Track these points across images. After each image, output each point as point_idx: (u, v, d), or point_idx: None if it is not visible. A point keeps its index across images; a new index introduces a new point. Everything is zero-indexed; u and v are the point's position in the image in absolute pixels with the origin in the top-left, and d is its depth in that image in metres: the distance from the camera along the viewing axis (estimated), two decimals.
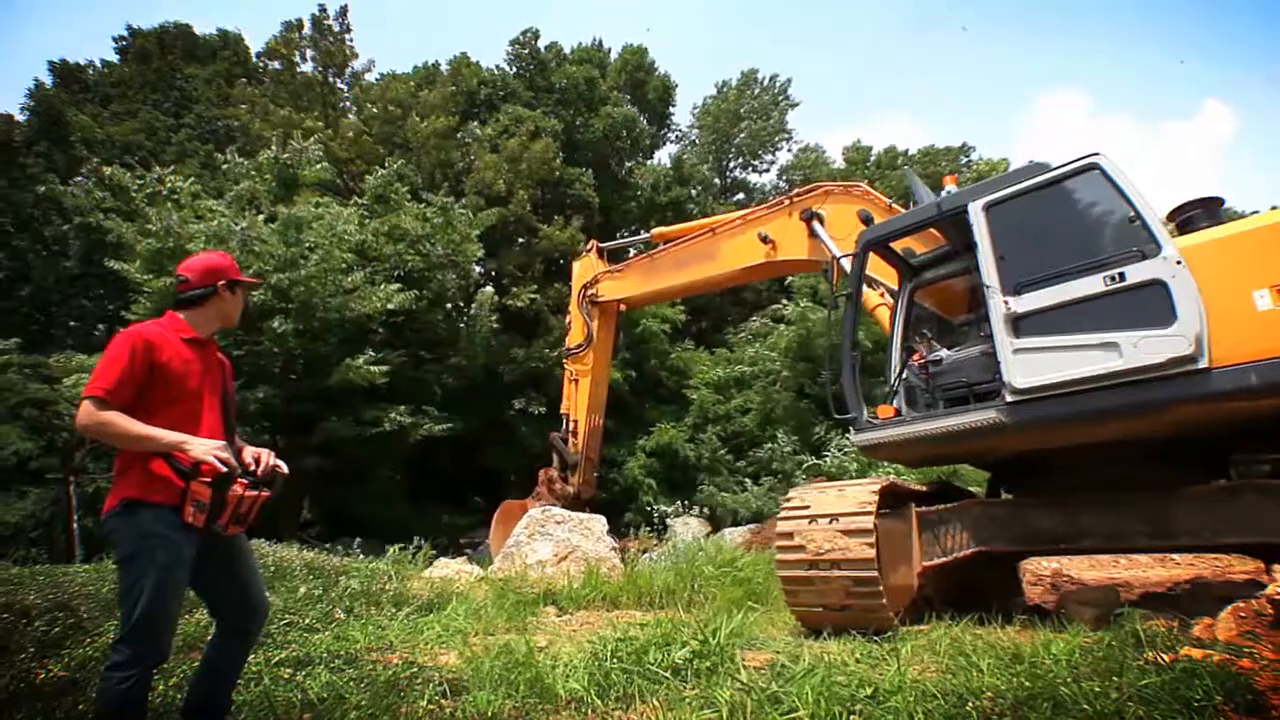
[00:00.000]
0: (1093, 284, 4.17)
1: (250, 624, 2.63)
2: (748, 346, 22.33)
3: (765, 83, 34.32)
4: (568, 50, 29.01)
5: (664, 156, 34.07)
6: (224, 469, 2.32)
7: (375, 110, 23.85)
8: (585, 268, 11.78)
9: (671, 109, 32.99)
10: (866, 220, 6.51)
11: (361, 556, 8.87)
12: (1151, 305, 3.93)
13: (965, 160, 30.23)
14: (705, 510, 14.39)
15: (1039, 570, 7.77)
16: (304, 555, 7.52)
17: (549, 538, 7.86)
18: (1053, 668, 2.86)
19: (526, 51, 27.55)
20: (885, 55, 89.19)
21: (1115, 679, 2.64)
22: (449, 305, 20.12)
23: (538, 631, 4.65)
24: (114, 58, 28.58)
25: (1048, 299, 4.34)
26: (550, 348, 20.45)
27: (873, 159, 32.42)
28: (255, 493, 2.45)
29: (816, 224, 8.16)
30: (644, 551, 8.74)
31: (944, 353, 5.18)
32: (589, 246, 12.18)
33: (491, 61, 28.43)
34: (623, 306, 11.94)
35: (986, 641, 3.52)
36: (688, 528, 13.30)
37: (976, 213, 4.77)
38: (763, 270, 9.87)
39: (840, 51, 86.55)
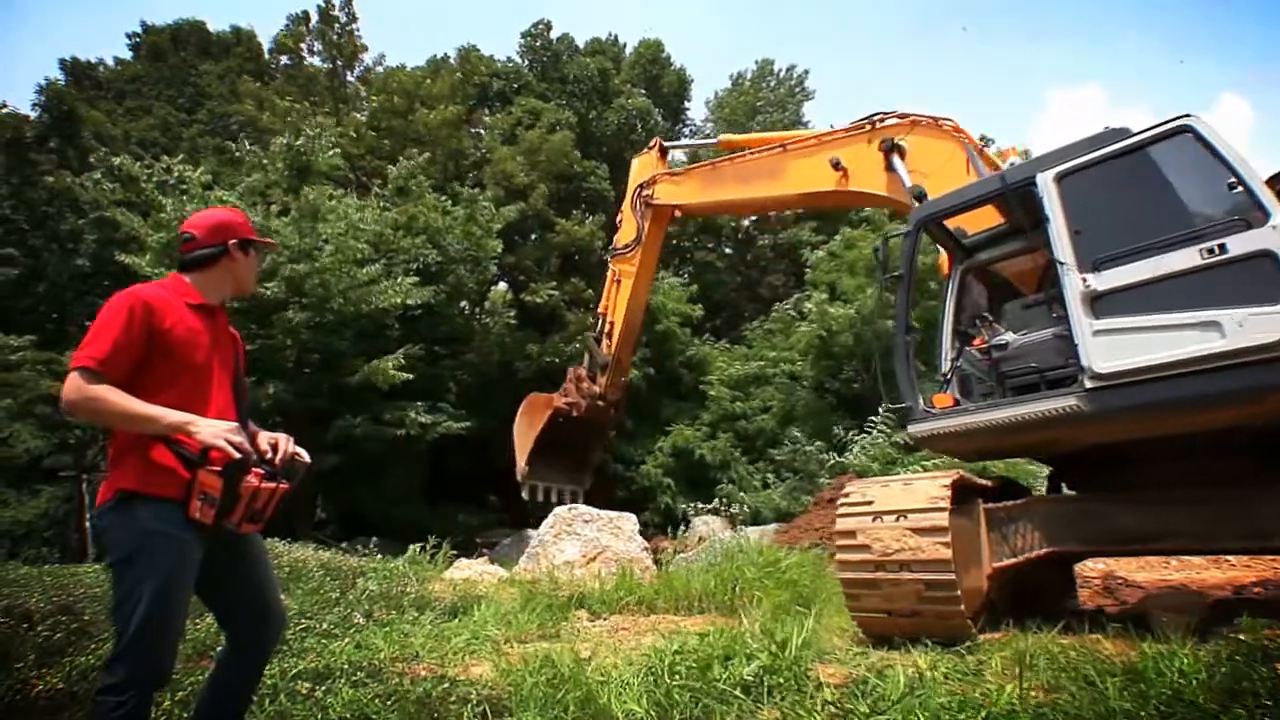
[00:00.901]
0: (1187, 257, 3.78)
1: (264, 637, 2.27)
2: (766, 345, 21.92)
3: (781, 74, 33.80)
4: (581, 43, 28.67)
5: (678, 153, 33.63)
6: (236, 455, 1.95)
7: (377, 103, 23.49)
8: (644, 166, 11.16)
9: (687, 104, 32.55)
10: (919, 197, 6.10)
11: (379, 556, 8.57)
12: (1259, 279, 3.55)
13: None
14: (736, 508, 14.00)
15: (1086, 572, 7.40)
16: (320, 555, 7.23)
17: (577, 537, 7.48)
18: (1184, 687, 2.47)
19: (539, 43, 27.19)
20: (893, 53, 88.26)
21: (1267, 703, 2.26)
22: (464, 302, 19.80)
23: (574, 639, 4.30)
24: (127, 55, 28.61)
25: (1133, 275, 3.95)
26: (566, 343, 20.11)
27: None
28: (272, 485, 2.07)
29: (896, 157, 7.43)
30: (679, 552, 8.37)
31: (1009, 336, 4.78)
32: (652, 144, 11.53)
33: (501, 57, 28.03)
34: (677, 213, 11.29)
35: (1086, 653, 3.14)
36: (708, 527, 12.95)
37: (1046, 184, 4.40)
38: (830, 199, 9.25)
39: (847, 47, 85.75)
